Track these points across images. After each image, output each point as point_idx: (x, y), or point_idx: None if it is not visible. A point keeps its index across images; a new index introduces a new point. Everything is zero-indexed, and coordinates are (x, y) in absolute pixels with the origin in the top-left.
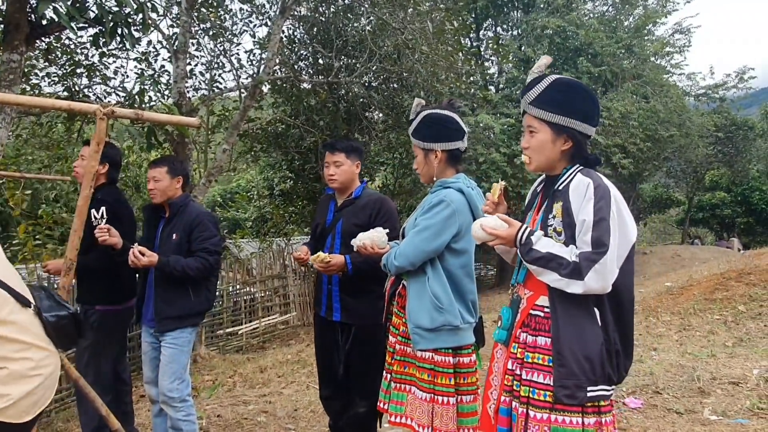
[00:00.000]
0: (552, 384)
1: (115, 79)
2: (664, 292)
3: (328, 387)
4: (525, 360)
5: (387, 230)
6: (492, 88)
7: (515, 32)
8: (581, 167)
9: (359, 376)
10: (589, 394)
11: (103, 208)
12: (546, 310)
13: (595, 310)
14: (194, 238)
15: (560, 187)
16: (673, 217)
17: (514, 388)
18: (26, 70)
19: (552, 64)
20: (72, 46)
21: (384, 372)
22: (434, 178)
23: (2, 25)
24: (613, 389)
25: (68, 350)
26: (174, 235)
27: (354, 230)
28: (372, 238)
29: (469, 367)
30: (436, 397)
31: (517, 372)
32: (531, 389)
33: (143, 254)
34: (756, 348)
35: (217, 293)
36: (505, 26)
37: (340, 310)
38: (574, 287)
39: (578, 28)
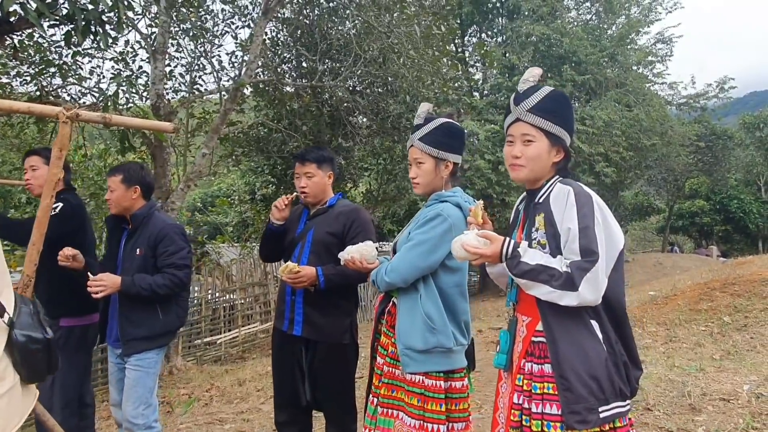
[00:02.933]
0: (560, 413)
1: (90, 79)
2: (648, 302)
3: (284, 411)
4: (533, 391)
5: (377, 244)
6: (476, 94)
7: (500, 39)
8: (560, 178)
9: (327, 400)
10: (602, 415)
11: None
12: None
13: (593, 323)
14: (160, 253)
15: (540, 200)
16: (653, 225)
17: (523, 423)
18: None
19: None
20: (46, 45)
21: (370, 396)
22: (435, 191)
23: None
24: (628, 404)
25: (35, 381)
26: (138, 250)
27: (327, 239)
28: (361, 252)
29: (461, 392)
30: (425, 424)
31: (525, 405)
32: (544, 422)
33: (103, 280)
34: (744, 361)
35: (196, 301)
36: (489, 33)
37: (302, 323)
38: (568, 299)
39: (562, 36)
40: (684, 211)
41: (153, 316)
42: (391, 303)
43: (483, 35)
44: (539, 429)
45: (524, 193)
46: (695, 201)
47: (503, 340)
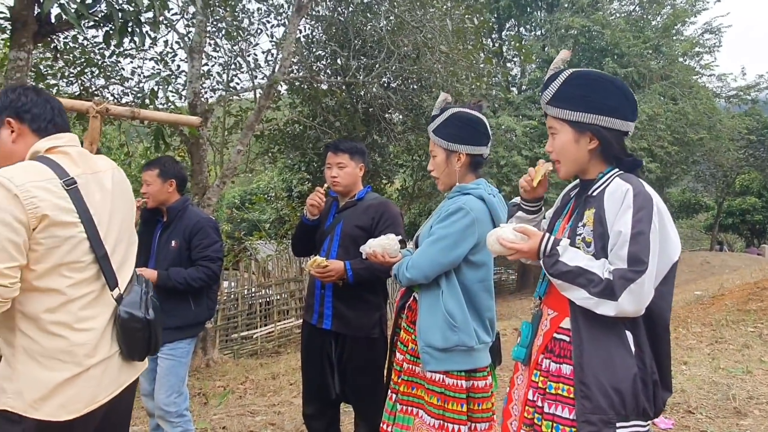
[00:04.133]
0: (575, 419)
1: (131, 79)
2: (693, 302)
3: (311, 404)
4: (548, 390)
5: (400, 237)
6: (514, 89)
7: (538, 32)
8: (620, 171)
9: (356, 394)
10: (618, 431)
11: None
12: None
13: (628, 334)
14: (194, 246)
15: (594, 193)
16: (701, 223)
17: (536, 421)
18: (44, 71)
19: (576, 65)
20: (89, 46)
21: (389, 391)
22: (455, 183)
23: (9, 23)
24: (649, 425)
25: (134, 358)
26: (173, 242)
27: (355, 232)
28: (383, 246)
29: (484, 391)
30: (446, 424)
31: (539, 404)
32: (554, 425)
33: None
34: None
35: (233, 296)
36: (528, 26)
37: (332, 317)
38: (605, 308)
39: (604, 27)
40: (734, 208)
41: (185, 306)
42: (411, 298)
43: (521, 29)
44: (549, 430)
45: (577, 180)
46: (746, 198)
47: (524, 332)
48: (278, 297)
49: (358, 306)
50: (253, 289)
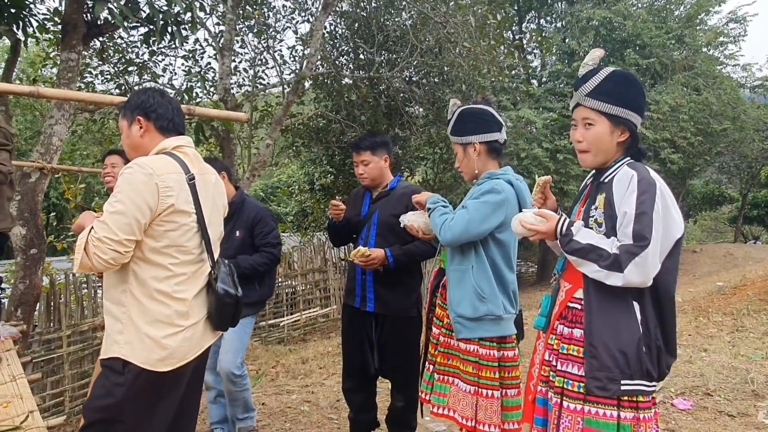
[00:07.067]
0: (584, 375)
1: (163, 76)
2: (715, 292)
3: (352, 379)
4: (561, 351)
5: None
6: (534, 81)
7: (559, 24)
8: (629, 160)
9: (394, 369)
10: (623, 388)
11: None
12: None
13: (635, 303)
14: (257, 234)
15: (605, 180)
16: (725, 215)
17: (551, 378)
18: (81, 68)
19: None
20: (124, 45)
21: (427, 363)
22: (476, 172)
23: (61, 26)
24: (654, 386)
25: (221, 329)
26: (237, 232)
27: (391, 220)
28: (419, 222)
29: (513, 360)
30: (480, 390)
31: (554, 363)
32: (565, 380)
33: None
34: None
35: None
36: (548, 18)
37: (374, 300)
38: (614, 279)
39: (625, 19)
40: (759, 200)
41: (251, 286)
42: (445, 277)
43: (541, 21)
44: (561, 385)
45: (593, 170)
46: None
47: (544, 303)
48: (303, 287)
49: (397, 289)
50: (280, 279)
